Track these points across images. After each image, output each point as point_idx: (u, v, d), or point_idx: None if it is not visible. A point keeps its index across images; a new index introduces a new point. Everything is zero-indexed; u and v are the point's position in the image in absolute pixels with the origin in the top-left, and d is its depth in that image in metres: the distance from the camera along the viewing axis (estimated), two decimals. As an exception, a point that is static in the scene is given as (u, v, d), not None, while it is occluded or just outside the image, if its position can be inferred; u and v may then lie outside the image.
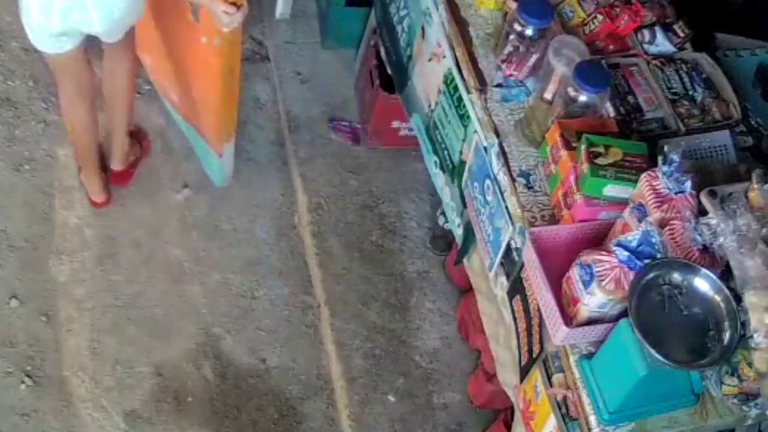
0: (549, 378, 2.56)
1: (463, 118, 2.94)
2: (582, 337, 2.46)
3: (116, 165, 3.63)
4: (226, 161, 3.62)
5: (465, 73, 2.93)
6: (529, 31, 2.78)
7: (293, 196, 3.84)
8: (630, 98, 2.86)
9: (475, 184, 2.89)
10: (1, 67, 3.86)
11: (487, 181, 2.80)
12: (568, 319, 2.44)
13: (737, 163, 2.77)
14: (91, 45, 3.22)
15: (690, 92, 2.91)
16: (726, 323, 2.31)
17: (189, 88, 3.51)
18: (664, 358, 2.22)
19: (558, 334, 2.43)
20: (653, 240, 2.33)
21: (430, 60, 3.14)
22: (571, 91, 2.64)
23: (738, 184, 2.48)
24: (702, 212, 2.41)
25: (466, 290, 3.49)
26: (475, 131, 2.86)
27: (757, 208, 2.39)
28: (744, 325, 2.29)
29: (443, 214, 3.43)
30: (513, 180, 2.72)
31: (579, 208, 2.55)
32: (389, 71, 3.54)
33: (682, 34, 3.01)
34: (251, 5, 4.26)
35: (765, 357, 2.28)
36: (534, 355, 2.60)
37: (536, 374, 2.60)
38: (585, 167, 2.50)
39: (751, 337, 2.27)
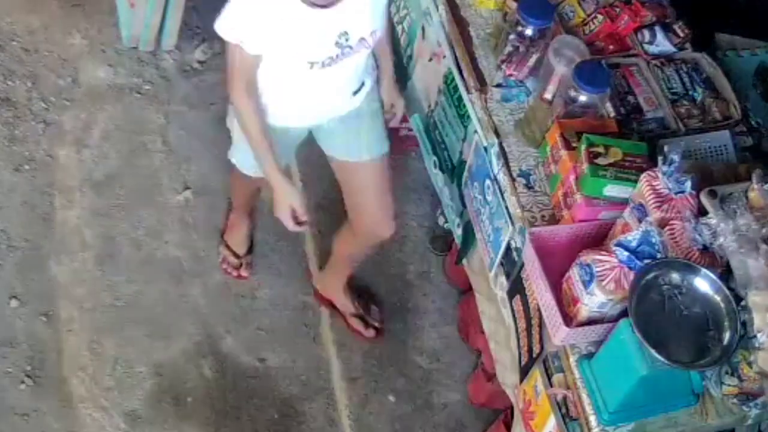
0: (549, 378, 2.56)
1: (463, 118, 2.94)
2: (582, 337, 2.46)
3: None
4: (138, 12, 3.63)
5: (465, 73, 2.92)
6: (529, 31, 2.78)
7: (293, 196, 3.83)
8: (630, 98, 2.86)
9: (475, 184, 2.89)
10: (1, 67, 3.85)
11: (487, 181, 2.80)
12: (568, 319, 2.43)
13: (737, 163, 2.76)
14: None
15: (690, 92, 2.91)
16: (726, 323, 2.31)
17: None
18: (664, 358, 2.22)
19: (558, 334, 2.43)
20: (653, 240, 2.33)
21: (430, 60, 3.14)
22: (571, 91, 2.64)
23: (738, 184, 2.47)
24: (702, 212, 2.40)
25: (466, 290, 3.48)
26: (475, 131, 2.86)
27: (757, 208, 2.39)
28: (744, 325, 2.29)
29: (443, 214, 3.42)
30: (513, 180, 2.72)
31: (579, 208, 2.55)
32: (389, 71, 3.53)
33: (682, 34, 3.01)
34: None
35: (768, 356, 2.28)
36: (534, 355, 2.59)
37: (536, 374, 2.60)
38: (585, 167, 2.50)
39: (755, 336, 2.27)
